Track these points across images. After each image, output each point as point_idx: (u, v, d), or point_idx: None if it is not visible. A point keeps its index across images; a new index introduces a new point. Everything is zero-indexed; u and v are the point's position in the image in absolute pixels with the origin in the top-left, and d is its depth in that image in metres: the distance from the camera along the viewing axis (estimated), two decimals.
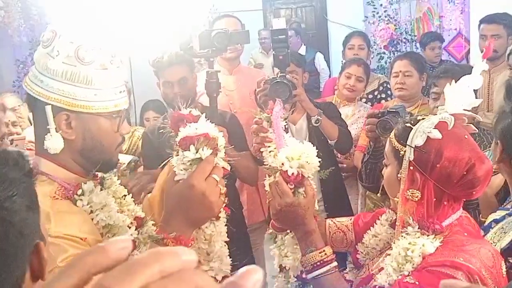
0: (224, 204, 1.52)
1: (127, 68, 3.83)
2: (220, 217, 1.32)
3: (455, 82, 2.24)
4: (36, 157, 1.34)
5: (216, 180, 1.17)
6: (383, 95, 3.81)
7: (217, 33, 1.87)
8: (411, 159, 1.30)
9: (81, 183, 1.32)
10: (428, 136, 1.28)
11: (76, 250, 1.20)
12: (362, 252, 1.56)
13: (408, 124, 1.34)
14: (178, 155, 1.20)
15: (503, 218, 1.69)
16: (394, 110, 2.07)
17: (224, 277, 1.29)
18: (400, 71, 3.06)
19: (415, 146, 1.29)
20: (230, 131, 2.34)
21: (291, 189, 1.32)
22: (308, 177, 1.36)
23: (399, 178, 1.33)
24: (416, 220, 1.31)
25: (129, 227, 1.40)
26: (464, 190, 1.32)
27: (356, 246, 1.60)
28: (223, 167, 1.28)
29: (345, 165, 3.18)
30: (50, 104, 1.26)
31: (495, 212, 1.79)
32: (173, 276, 0.38)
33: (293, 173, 1.31)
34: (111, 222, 1.31)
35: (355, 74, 3.32)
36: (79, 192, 1.30)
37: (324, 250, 1.34)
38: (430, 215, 1.31)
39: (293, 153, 1.32)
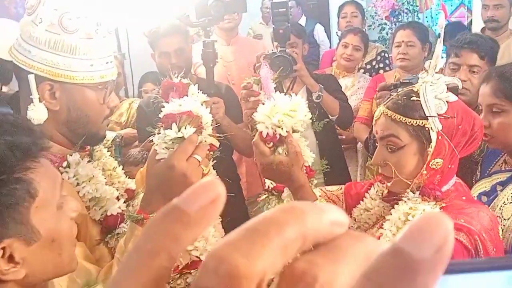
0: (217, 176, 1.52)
1: (124, 39, 3.79)
2: None
3: (479, 55, 2.22)
4: None
5: (198, 161, 1.12)
6: (381, 65, 3.76)
7: (213, 2, 1.83)
8: (440, 128, 1.27)
9: (67, 155, 1.29)
10: (447, 101, 1.28)
11: None
12: (352, 227, 1.54)
13: (414, 98, 1.30)
14: (159, 133, 1.15)
15: (510, 179, 1.67)
16: (408, 81, 2.01)
17: None
18: (403, 41, 3.00)
19: (439, 114, 1.27)
20: (226, 103, 2.31)
21: (270, 147, 1.29)
22: (295, 131, 1.31)
23: (420, 154, 1.30)
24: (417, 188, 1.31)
25: (118, 199, 1.38)
26: (469, 146, 1.33)
27: None
28: (211, 144, 1.25)
29: (344, 137, 3.16)
30: (33, 73, 1.22)
31: (479, 182, 1.79)
32: (326, 247, 0.26)
33: (267, 133, 1.27)
34: (97, 195, 1.29)
35: (352, 43, 3.28)
36: (65, 164, 1.28)
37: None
38: (432, 181, 1.31)
39: (271, 110, 1.27)
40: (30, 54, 1.23)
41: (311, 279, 0.24)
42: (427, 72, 1.33)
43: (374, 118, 1.39)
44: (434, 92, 1.29)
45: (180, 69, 2.58)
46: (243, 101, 1.53)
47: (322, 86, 2.64)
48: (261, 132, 1.27)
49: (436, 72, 1.32)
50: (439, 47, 1.33)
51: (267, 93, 1.42)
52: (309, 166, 1.38)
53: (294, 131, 1.30)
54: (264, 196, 1.54)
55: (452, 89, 1.34)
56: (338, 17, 4.03)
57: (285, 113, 1.25)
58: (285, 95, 1.36)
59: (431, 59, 1.34)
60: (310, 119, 2.76)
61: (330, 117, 2.75)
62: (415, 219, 0.24)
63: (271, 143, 1.27)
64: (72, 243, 0.98)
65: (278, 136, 1.26)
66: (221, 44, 3.23)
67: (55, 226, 0.92)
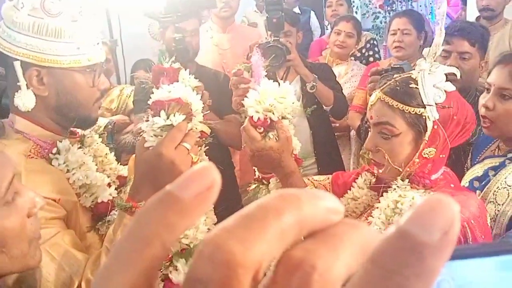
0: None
1: (116, 25, 3.76)
2: None
3: (469, 42, 2.21)
4: (11, 115, 1.30)
5: (187, 149, 1.11)
6: (371, 52, 3.78)
7: None
8: (437, 117, 1.26)
9: (57, 142, 1.28)
10: (445, 90, 1.27)
11: (46, 213, 1.17)
12: None
13: (413, 85, 1.28)
14: (148, 120, 1.13)
15: (503, 164, 1.66)
16: (399, 66, 2.00)
17: None
18: (399, 29, 2.98)
19: (437, 104, 1.26)
20: (223, 92, 2.30)
21: (261, 133, 1.28)
22: (284, 118, 1.30)
23: (415, 143, 1.29)
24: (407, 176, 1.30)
25: (110, 186, 1.37)
26: (460, 137, 1.32)
27: None
28: (201, 131, 1.23)
29: (337, 125, 3.15)
30: (19, 59, 1.20)
31: (471, 169, 1.78)
32: (323, 235, 0.25)
33: (258, 118, 1.25)
34: (88, 182, 1.28)
35: (345, 30, 3.28)
36: (54, 150, 1.26)
37: None
38: (423, 170, 1.30)
39: (261, 96, 1.25)
40: (15, 40, 1.21)
41: (309, 268, 0.23)
42: (425, 60, 1.31)
43: (369, 103, 1.37)
44: (433, 80, 1.27)
45: (192, 49, 2.60)
46: (233, 87, 1.51)
47: (316, 76, 2.63)
48: (252, 117, 1.26)
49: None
50: (440, 35, 1.32)
51: (257, 81, 1.40)
52: (296, 154, 1.36)
53: (283, 117, 1.28)
54: (254, 186, 1.53)
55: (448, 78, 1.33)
56: (324, 7, 4.03)
57: (275, 98, 1.24)
58: (279, 79, 1.35)
59: (426, 47, 1.32)
60: (304, 108, 2.75)
61: (324, 107, 2.73)
62: (419, 201, 0.23)
63: (262, 128, 1.26)
64: (23, 239, 0.93)
65: (269, 121, 1.25)
66: (217, 31, 3.21)
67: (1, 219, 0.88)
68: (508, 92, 1.65)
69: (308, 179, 1.64)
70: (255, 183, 1.53)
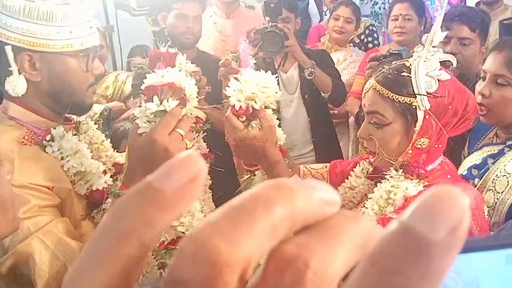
0: (208, 150, 1.49)
1: (112, 11, 3.71)
2: None
3: (470, 28, 2.18)
4: (5, 101, 1.28)
5: (181, 135, 1.08)
6: (370, 39, 3.75)
7: None
8: (428, 107, 1.23)
9: (51, 128, 1.26)
10: (438, 79, 1.24)
11: (40, 201, 1.15)
12: None
13: (405, 73, 1.26)
14: (141, 106, 1.11)
15: (502, 151, 1.64)
16: (397, 52, 1.97)
17: None
18: (400, 14, 2.95)
19: (428, 93, 1.23)
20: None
21: (243, 122, 1.25)
22: (267, 108, 1.28)
23: (406, 133, 1.27)
24: (400, 165, 1.29)
25: (105, 173, 1.35)
26: (459, 126, 1.30)
27: None
28: (197, 117, 1.21)
29: (336, 112, 3.13)
30: (10, 44, 1.18)
31: (469, 157, 1.77)
32: (318, 228, 0.23)
33: (240, 107, 1.22)
34: (82, 169, 1.26)
35: (343, 15, 3.24)
36: (48, 137, 1.24)
37: None
38: (417, 160, 1.28)
39: (243, 85, 1.23)
40: (6, 24, 1.18)
41: (302, 265, 0.21)
42: (423, 46, 1.29)
43: (364, 91, 1.35)
44: (426, 69, 1.25)
45: (193, 35, 2.58)
46: (222, 78, 1.48)
47: (315, 63, 2.60)
48: (234, 106, 1.23)
49: (433, 46, 1.28)
50: (439, 20, 1.29)
51: (244, 66, 1.37)
52: (281, 145, 1.34)
53: (266, 107, 1.26)
54: (246, 176, 1.51)
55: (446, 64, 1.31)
56: None
57: (257, 87, 1.21)
58: (278, 68, 1.33)
59: (426, 34, 1.30)
60: (303, 96, 2.73)
61: (323, 94, 2.71)
62: (426, 193, 0.20)
63: (244, 118, 1.24)
64: (12, 203, 1.00)
65: (251, 110, 1.22)
66: (221, 17, 3.17)
67: None
68: (503, 78, 1.63)
69: (306, 168, 1.63)
70: (247, 174, 1.51)
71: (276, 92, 1.24)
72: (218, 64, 2.47)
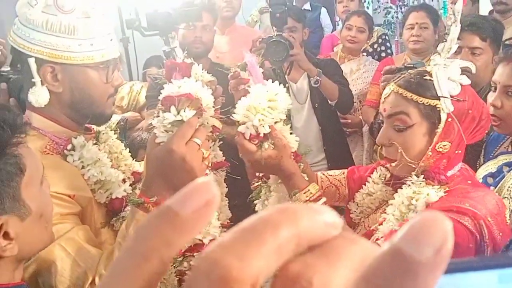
0: (224, 158, 1.50)
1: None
2: None
3: (480, 37, 2.17)
4: (28, 111, 1.32)
5: (198, 144, 1.10)
6: (383, 47, 3.76)
7: (163, 12, 1.80)
8: (451, 110, 1.24)
9: (72, 138, 1.29)
10: (460, 83, 1.25)
11: (62, 209, 1.18)
12: (355, 211, 1.52)
13: (427, 77, 1.27)
14: (158, 116, 1.13)
15: None
16: (412, 65, 1.99)
17: (212, 240, 1.26)
18: (416, 23, 2.96)
19: (452, 96, 1.24)
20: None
21: (256, 144, 1.25)
22: (278, 121, 1.28)
23: (429, 135, 1.28)
24: (422, 172, 1.29)
25: (124, 182, 1.37)
26: (475, 134, 1.31)
27: (348, 205, 1.55)
28: (213, 126, 1.23)
29: (349, 121, 3.14)
30: (33, 56, 1.21)
31: (484, 165, 1.76)
32: (321, 249, 0.25)
33: (250, 134, 1.22)
34: (102, 178, 1.28)
35: (356, 25, 3.25)
36: (69, 147, 1.27)
37: (308, 190, 1.28)
38: (438, 166, 1.29)
39: (249, 110, 1.21)
40: (29, 37, 1.22)
41: (305, 283, 0.24)
42: (440, 55, 1.30)
43: (383, 96, 1.35)
44: (448, 74, 1.26)
45: (202, 44, 2.61)
46: (233, 91, 1.50)
47: (321, 71, 2.62)
48: (244, 132, 1.23)
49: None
50: (456, 29, 1.30)
51: (256, 80, 1.38)
52: (295, 151, 1.34)
53: (276, 122, 1.26)
54: (256, 183, 1.52)
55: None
56: (335, 3, 3.99)
57: (264, 108, 1.21)
58: (285, 74, 1.31)
59: (441, 43, 1.31)
60: (313, 105, 2.74)
61: (330, 102, 2.73)
62: (413, 219, 0.23)
63: (256, 140, 1.24)
64: (52, 217, 1.03)
65: (262, 135, 1.22)
66: (216, 33, 3.19)
67: (41, 200, 0.97)
68: None
69: (323, 174, 1.63)
70: (257, 181, 1.52)
71: (285, 101, 1.25)
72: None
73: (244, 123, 1.22)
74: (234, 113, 1.23)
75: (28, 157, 0.94)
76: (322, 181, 1.60)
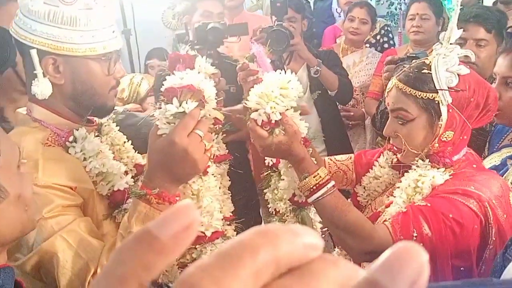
0: (227, 151, 1.50)
1: (130, 15, 3.76)
2: (208, 172, 1.28)
3: (485, 29, 2.17)
4: (29, 103, 1.31)
5: (200, 136, 1.10)
6: (385, 39, 3.76)
7: (212, 27, 1.80)
8: (450, 101, 1.28)
9: (73, 130, 1.28)
10: (458, 74, 1.28)
11: (63, 201, 1.18)
12: (362, 194, 1.57)
13: (426, 70, 1.30)
14: (161, 107, 1.13)
15: None
16: (414, 55, 1.99)
17: (214, 232, 1.26)
18: (417, 14, 2.97)
19: (449, 87, 1.28)
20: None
21: (267, 130, 1.27)
22: (289, 108, 1.30)
23: (430, 127, 1.32)
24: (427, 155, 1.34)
25: (127, 174, 1.37)
26: (482, 118, 1.34)
27: (355, 188, 1.60)
28: (215, 118, 1.23)
29: (352, 113, 3.14)
30: (35, 48, 1.21)
31: (488, 157, 1.77)
32: (299, 272, 0.25)
33: (262, 120, 1.24)
34: (104, 170, 1.28)
35: (358, 17, 3.25)
36: (71, 139, 1.27)
37: (318, 174, 1.31)
38: (444, 152, 1.33)
39: (261, 98, 1.23)
40: (31, 28, 1.21)
41: None
42: (441, 44, 1.32)
43: (386, 90, 1.40)
44: (446, 64, 1.29)
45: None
46: (242, 82, 1.50)
47: (321, 61, 2.62)
48: (256, 120, 1.25)
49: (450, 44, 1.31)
50: (455, 17, 1.31)
51: (265, 70, 1.39)
52: (304, 137, 1.36)
53: (287, 108, 1.27)
54: (266, 173, 1.53)
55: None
56: None
57: (276, 96, 1.22)
58: (284, 64, 1.33)
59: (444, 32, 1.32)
60: (312, 95, 2.74)
61: (329, 92, 2.73)
62: (391, 248, 0.23)
63: (268, 126, 1.26)
64: (33, 201, 1.02)
65: (273, 121, 1.24)
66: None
67: (19, 183, 0.96)
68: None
69: (330, 159, 1.68)
70: (266, 171, 1.53)
71: (297, 89, 1.26)
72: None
73: (256, 110, 1.23)
74: (247, 100, 1.25)
75: (3, 141, 0.95)
76: (329, 166, 1.65)
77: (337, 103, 2.96)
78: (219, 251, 0.25)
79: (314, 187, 1.30)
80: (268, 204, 1.54)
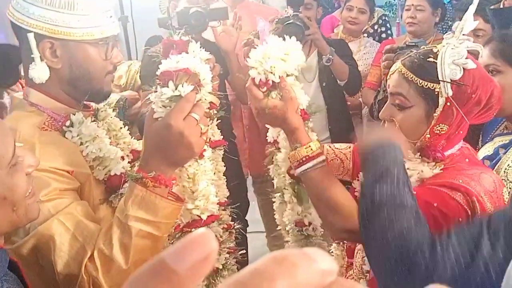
0: (222, 137, 1.51)
1: (127, 1, 3.74)
2: (204, 155, 1.29)
3: (484, 19, 2.15)
4: (26, 88, 1.31)
5: (196, 119, 1.11)
6: (383, 29, 3.76)
7: (195, 11, 1.81)
8: (450, 94, 1.25)
9: (70, 114, 1.29)
10: (464, 67, 1.25)
11: (60, 184, 1.18)
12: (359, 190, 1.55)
13: (431, 59, 1.27)
14: (156, 91, 1.13)
15: None
16: (414, 44, 1.98)
17: (210, 216, 1.27)
18: (412, 5, 2.97)
19: (452, 80, 1.24)
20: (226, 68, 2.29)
21: (264, 92, 1.27)
22: (290, 75, 1.29)
23: (426, 117, 1.29)
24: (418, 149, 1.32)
25: (123, 159, 1.38)
26: (483, 115, 1.31)
27: (352, 183, 1.57)
28: (211, 102, 1.24)
29: (349, 103, 3.14)
30: (32, 31, 1.21)
31: (482, 148, 1.78)
32: None
33: (260, 79, 1.24)
34: (101, 155, 1.29)
35: (357, 6, 3.23)
36: (68, 123, 1.27)
37: (309, 146, 1.30)
38: (436, 145, 1.31)
39: (263, 56, 1.24)
40: (28, 12, 1.21)
41: None
42: (453, 34, 1.30)
43: (389, 73, 1.37)
44: (453, 56, 1.26)
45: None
46: (246, 58, 1.52)
47: (333, 50, 2.61)
48: (253, 78, 1.26)
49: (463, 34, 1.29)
50: (471, 9, 1.29)
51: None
52: (303, 109, 1.36)
53: (288, 75, 1.28)
54: (270, 149, 1.54)
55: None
56: None
57: (277, 57, 1.23)
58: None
59: (442, 24, 1.31)
60: (321, 84, 2.75)
61: (339, 81, 2.72)
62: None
63: (265, 88, 1.26)
64: (27, 197, 1.00)
65: (271, 82, 1.25)
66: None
67: (7, 184, 0.95)
68: (493, 67, 1.66)
69: (329, 147, 1.66)
70: (270, 148, 1.54)
71: (300, 58, 1.26)
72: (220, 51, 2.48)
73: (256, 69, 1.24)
74: (249, 57, 1.26)
75: None
76: (327, 153, 1.63)
77: (345, 97, 2.96)
78: (236, 280, 0.24)
79: (304, 159, 1.29)
80: (273, 179, 1.56)
